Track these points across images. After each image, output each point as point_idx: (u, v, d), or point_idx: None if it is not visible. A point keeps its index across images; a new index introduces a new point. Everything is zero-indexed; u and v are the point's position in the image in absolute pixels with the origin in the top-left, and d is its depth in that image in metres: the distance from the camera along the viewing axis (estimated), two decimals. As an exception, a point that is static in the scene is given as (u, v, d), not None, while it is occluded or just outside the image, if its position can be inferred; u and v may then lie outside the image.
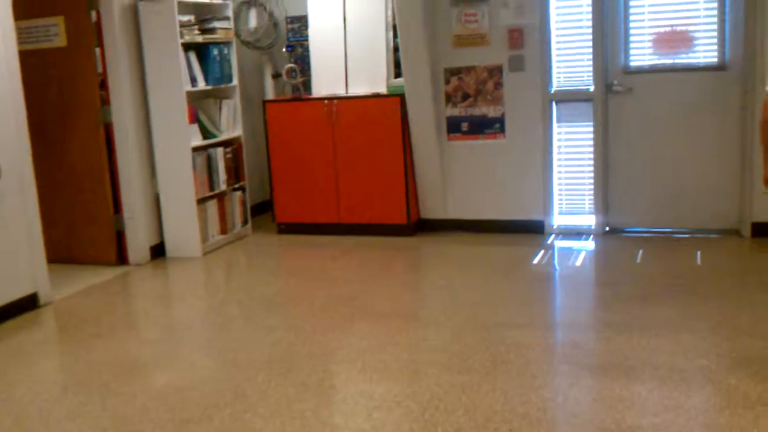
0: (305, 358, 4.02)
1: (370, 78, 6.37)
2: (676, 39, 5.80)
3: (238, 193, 6.58)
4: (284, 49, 6.95)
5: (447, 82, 6.19)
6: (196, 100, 6.18)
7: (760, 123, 3.60)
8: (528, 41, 5.95)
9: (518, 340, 4.10)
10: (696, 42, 5.76)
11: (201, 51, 6.16)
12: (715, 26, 5.68)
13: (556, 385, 3.67)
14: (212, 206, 6.27)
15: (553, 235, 6.11)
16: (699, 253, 5.49)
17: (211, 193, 6.25)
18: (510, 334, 4.18)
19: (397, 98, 6.13)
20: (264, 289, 5.35)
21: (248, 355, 4.10)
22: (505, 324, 4.33)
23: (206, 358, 4.19)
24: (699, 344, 3.94)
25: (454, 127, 6.24)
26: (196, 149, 6.05)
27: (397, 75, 6.33)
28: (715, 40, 5.70)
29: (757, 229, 5.62)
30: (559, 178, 6.15)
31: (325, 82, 6.52)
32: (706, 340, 3.99)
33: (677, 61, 5.81)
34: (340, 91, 6.46)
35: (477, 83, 6.12)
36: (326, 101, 6.32)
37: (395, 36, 6.27)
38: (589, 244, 5.93)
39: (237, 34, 6.70)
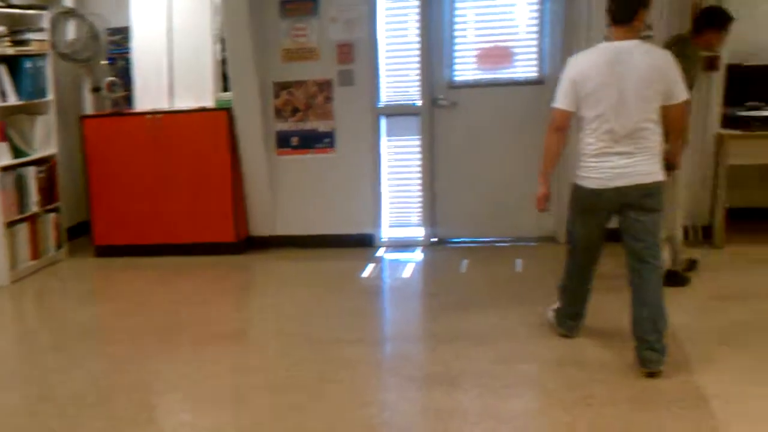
0: (121, 389, 3.77)
1: (197, 91, 6.16)
2: (498, 54, 5.97)
3: (52, 215, 6.15)
4: (105, 62, 6.61)
5: (276, 96, 6.08)
6: (6, 116, 5.75)
7: (546, 137, 3.87)
8: (357, 56, 5.95)
9: (347, 356, 4.04)
10: (517, 57, 5.94)
11: (12, 64, 5.74)
12: (536, 42, 5.88)
13: (384, 399, 3.65)
14: (23, 230, 5.81)
15: (382, 248, 6.11)
16: (519, 260, 5.64)
17: (22, 216, 5.79)
18: (339, 350, 4.11)
19: (225, 112, 5.96)
20: (78, 317, 4.99)
21: (58, 389, 3.79)
22: (334, 340, 4.26)
23: (11, 393, 3.84)
24: (519, 350, 4.02)
25: (283, 141, 6.13)
26: (5, 169, 5.61)
27: (226, 88, 6.15)
28: (535, 56, 5.90)
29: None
30: (389, 192, 6.17)
31: (148, 96, 6.25)
32: (526, 346, 4.08)
33: (499, 75, 5.97)
34: (165, 105, 6.20)
35: (307, 97, 6.05)
36: (149, 116, 6.05)
37: (223, 48, 6.10)
38: (417, 256, 5.97)
39: (54, 46, 6.30)
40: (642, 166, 3.66)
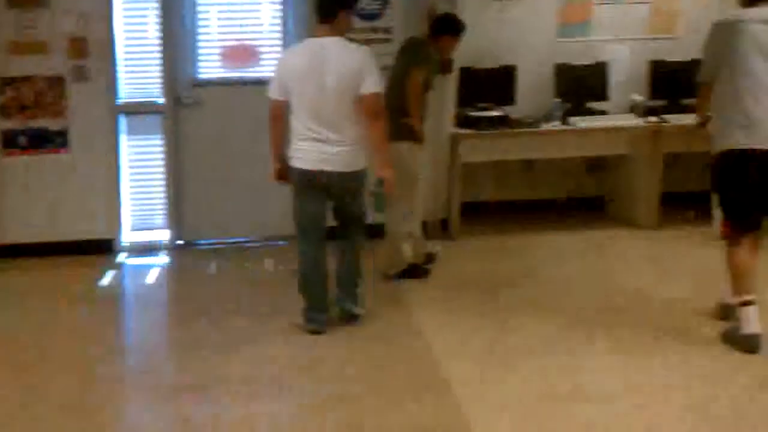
0: None
1: None
2: (242, 53, 5.88)
3: None
4: None
5: (2, 92, 5.56)
6: None
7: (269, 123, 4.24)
8: (92, 51, 5.58)
9: (88, 373, 3.79)
10: (262, 56, 5.89)
11: None
12: (280, 41, 5.86)
13: (131, 416, 3.49)
14: None
15: (124, 253, 5.77)
16: (269, 261, 5.56)
17: None
18: (78, 368, 3.84)
19: (-61, 110, 5.36)
20: None
21: None
22: (71, 358, 3.97)
23: None
24: (269, 354, 3.99)
25: (10, 141, 5.59)
26: None
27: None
28: (279, 55, 5.87)
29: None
30: (131, 193, 5.86)
31: None
32: (276, 348, 4.05)
33: (245, 74, 5.88)
34: None
35: (36, 94, 5.59)
36: None
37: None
38: (163, 260, 5.73)
39: None
40: (343, 155, 4.05)
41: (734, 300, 3.96)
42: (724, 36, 4.00)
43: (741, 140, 3.92)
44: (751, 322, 3.85)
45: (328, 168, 4.04)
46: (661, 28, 6.43)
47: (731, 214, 4.04)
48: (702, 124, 4.29)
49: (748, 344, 3.83)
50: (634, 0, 6.37)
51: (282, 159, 4.21)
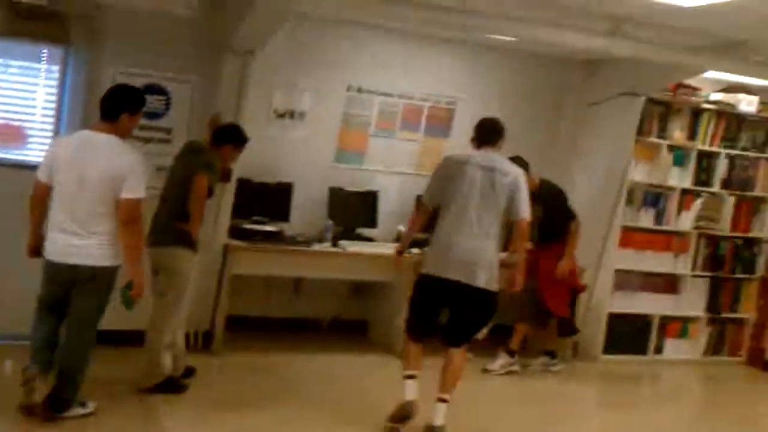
0: None
1: None
2: (7, 132, 5.51)
3: None
4: None
5: None
6: None
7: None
8: None
9: None
10: (30, 138, 5.57)
11: None
12: (51, 126, 5.57)
13: None
14: None
15: None
16: (9, 361, 4.90)
17: None
18: None
19: None
20: None
21: None
22: None
23: None
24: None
25: None
26: None
27: None
28: (50, 140, 5.56)
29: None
30: None
31: None
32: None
33: (7, 155, 5.50)
34: None
35: None
36: None
37: None
38: None
39: None
40: (89, 249, 4.04)
41: (403, 373, 4.63)
42: (447, 170, 4.67)
43: (431, 268, 4.59)
44: (409, 390, 4.54)
45: (72, 261, 4.04)
46: (428, 166, 6.82)
47: (409, 321, 4.75)
48: (399, 252, 5.03)
49: (402, 409, 4.48)
50: (406, 138, 6.78)
51: (37, 236, 4.20)
